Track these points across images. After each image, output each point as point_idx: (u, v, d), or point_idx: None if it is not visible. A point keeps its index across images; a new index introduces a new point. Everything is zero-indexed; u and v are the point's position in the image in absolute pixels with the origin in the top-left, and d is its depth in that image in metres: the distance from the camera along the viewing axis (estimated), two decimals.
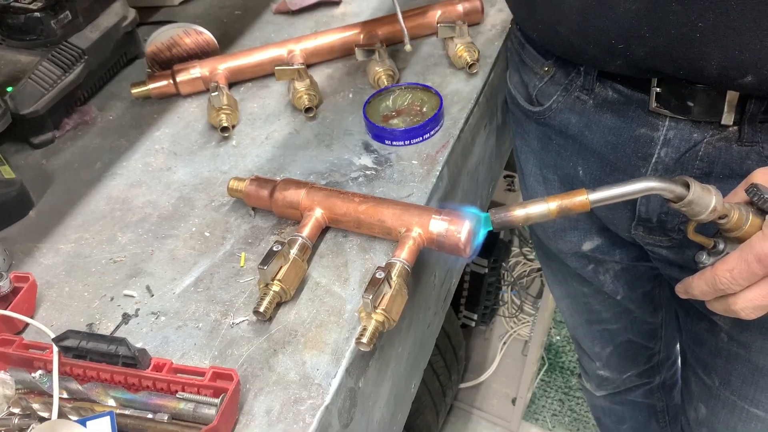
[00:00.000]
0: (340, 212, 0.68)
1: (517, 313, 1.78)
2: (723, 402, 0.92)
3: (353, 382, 0.60)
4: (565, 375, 1.98)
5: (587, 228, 0.96)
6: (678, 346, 1.27)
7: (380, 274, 0.59)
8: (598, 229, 0.95)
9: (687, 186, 0.60)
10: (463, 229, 0.63)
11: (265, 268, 0.61)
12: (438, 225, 0.64)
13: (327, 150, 0.82)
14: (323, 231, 0.71)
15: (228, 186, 0.74)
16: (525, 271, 1.80)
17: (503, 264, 1.80)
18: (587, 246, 0.98)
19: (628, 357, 1.22)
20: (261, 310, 0.61)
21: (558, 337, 2.03)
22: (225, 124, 0.85)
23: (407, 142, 0.80)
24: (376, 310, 0.59)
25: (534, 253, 1.77)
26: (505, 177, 1.72)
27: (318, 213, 0.69)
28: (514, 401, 1.87)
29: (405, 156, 0.79)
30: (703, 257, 0.66)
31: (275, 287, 0.62)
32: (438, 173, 0.75)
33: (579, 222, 0.96)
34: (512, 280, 1.77)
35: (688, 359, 0.99)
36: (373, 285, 0.58)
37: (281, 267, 0.63)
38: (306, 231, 0.68)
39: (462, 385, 1.86)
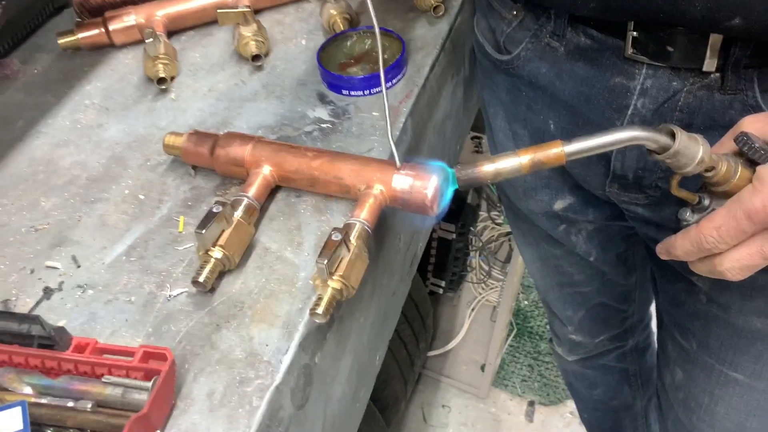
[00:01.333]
0: (292, 169, 0.61)
1: (486, 279, 1.74)
2: (701, 366, 0.88)
3: (308, 358, 0.53)
4: (534, 340, 1.95)
5: (559, 186, 0.90)
6: (652, 308, 1.23)
7: (336, 236, 0.52)
8: (571, 188, 0.90)
9: (672, 135, 0.55)
10: (429, 184, 0.56)
11: (203, 232, 0.53)
12: (401, 181, 0.57)
13: (277, 102, 0.74)
14: (273, 191, 0.63)
15: (163, 142, 0.66)
16: (493, 235, 1.75)
17: (471, 229, 1.74)
18: (559, 205, 0.92)
19: (600, 320, 1.18)
20: (200, 280, 0.54)
21: (526, 302, 2.00)
22: (162, 75, 0.76)
23: (367, 92, 0.72)
24: (333, 277, 0.52)
25: (502, 218, 1.72)
26: (472, 138, 1.65)
27: (266, 170, 0.61)
28: (483, 368, 1.84)
29: (364, 107, 0.71)
30: (687, 214, 0.61)
31: (216, 254, 0.55)
32: (401, 125, 0.68)
33: (550, 180, 0.90)
34: (480, 245, 1.72)
35: (664, 322, 0.94)
36: (329, 249, 0.51)
37: (223, 231, 0.56)
38: (252, 190, 0.60)
39: (430, 353, 1.81)
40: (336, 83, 0.72)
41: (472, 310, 1.80)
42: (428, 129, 0.76)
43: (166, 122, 0.73)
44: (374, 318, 0.67)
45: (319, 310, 0.51)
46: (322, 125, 0.70)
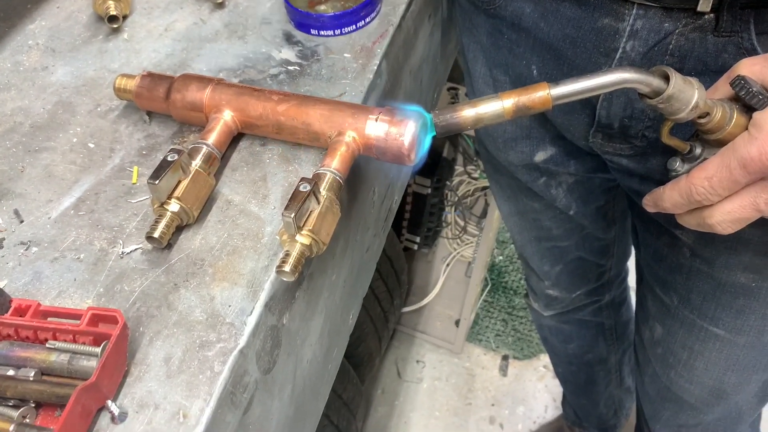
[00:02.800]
0: (255, 114, 0.55)
1: (461, 235, 1.71)
2: (681, 321, 0.86)
3: (275, 319, 0.49)
4: (509, 295, 1.94)
5: (540, 137, 0.86)
6: (629, 263, 1.21)
7: (305, 187, 0.47)
8: (552, 138, 0.86)
9: (666, 78, 0.51)
10: (406, 130, 0.52)
11: (157, 183, 0.48)
12: (376, 127, 0.52)
13: (240, 42, 0.68)
14: (235, 138, 0.58)
15: (114, 85, 0.60)
16: (469, 190, 1.71)
17: (447, 183, 1.70)
18: (540, 157, 0.88)
19: (578, 275, 1.16)
20: (155, 235, 0.49)
21: (501, 257, 1.98)
22: (113, 13, 0.69)
23: (338, 32, 0.66)
24: (301, 232, 0.47)
25: (479, 172, 1.69)
26: (448, 89, 1.60)
27: (227, 116, 0.56)
28: (457, 323, 1.83)
29: (335, 48, 0.66)
30: (677, 164, 0.58)
31: (173, 207, 0.50)
32: (375, 68, 0.63)
33: (531, 130, 0.86)
34: (456, 200, 1.68)
35: (645, 277, 0.92)
36: (297, 201, 0.46)
37: (179, 182, 0.50)
38: (212, 137, 0.55)
39: (405, 309, 1.79)
40: (304, 22, 0.67)
41: (447, 265, 1.77)
42: (404, 73, 0.70)
43: (119, 64, 0.67)
44: (347, 275, 0.63)
45: (287, 268, 0.46)
46: (289, 68, 0.64)
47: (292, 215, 0.45)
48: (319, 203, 0.48)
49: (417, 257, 1.83)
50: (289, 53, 0.66)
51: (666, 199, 0.58)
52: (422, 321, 1.84)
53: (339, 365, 0.67)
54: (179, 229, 0.52)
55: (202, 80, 0.57)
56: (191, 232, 0.52)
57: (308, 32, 0.67)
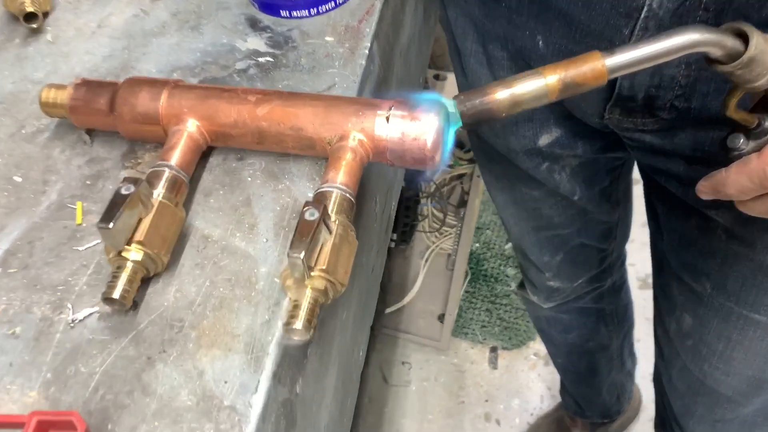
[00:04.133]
0: (228, 121, 0.43)
1: (440, 227, 1.61)
2: (715, 310, 0.77)
3: (287, 390, 0.37)
4: (490, 283, 1.86)
5: (544, 118, 0.76)
6: (624, 247, 1.13)
7: (312, 215, 0.35)
8: (558, 118, 0.76)
9: (741, 37, 0.41)
10: (428, 126, 0.40)
11: (111, 226, 0.35)
12: (389, 125, 0.41)
13: (194, 34, 0.55)
14: (204, 154, 0.45)
15: (41, 99, 0.46)
16: (445, 179, 1.60)
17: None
18: (544, 140, 0.78)
19: (579, 263, 1.07)
20: (115, 295, 0.37)
21: (477, 245, 1.89)
22: (30, 10, 0.55)
23: (313, 11, 0.54)
24: (313, 273, 0.35)
25: (454, 159, 1.58)
26: (434, 77, 1.48)
27: (191, 126, 0.43)
28: (441, 318, 1.73)
29: (313, 31, 0.54)
30: (740, 141, 0.49)
31: (135, 255, 0.37)
32: (367, 51, 0.51)
33: (534, 111, 0.75)
34: (432, 190, 1.58)
35: (669, 264, 0.83)
36: (304, 234, 0.34)
37: (140, 220, 0.38)
38: (175, 156, 0.42)
39: (385, 310, 1.68)
40: (270, 2, 0.54)
41: (426, 260, 1.67)
42: (395, 56, 0.59)
43: (44, 73, 0.53)
44: (356, 307, 0.52)
45: (298, 324, 0.35)
46: (260, 59, 0.52)
47: (302, 255, 0.34)
48: (330, 233, 0.37)
49: (394, 255, 1.72)
50: (256, 42, 0.53)
51: (731, 184, 0.48)
52: (404, 320, 1.74)
53: (353, 414, 0.56)
54: (146, 282, 0.39)
55: (155, 84, 0.44)
56: (162, 284, 0.40)
57: (277, 14, 0.55)
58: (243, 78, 0.51)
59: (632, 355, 1.36)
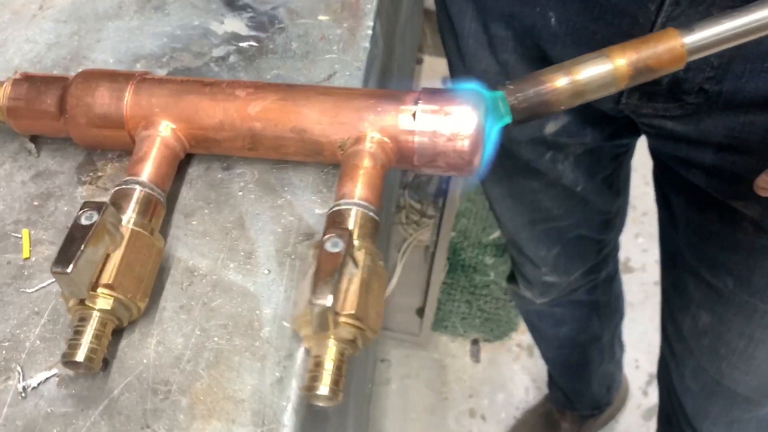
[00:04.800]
0: (212, 123, 0.34)
1: (419, 219, 1.53)
2: (738, 306, 0.72)
3: None
4: (468, 273, 1.80)
5: None
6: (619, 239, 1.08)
7: (336, 245, 0.27)
8: None
9: None
10: (466, 122, 0.32)
11: (70, 270, 0.27)
12: (417, 122, 0.33)
13: (158, 15, 0.46)
14: (181, 164, 0.37)
15: None
16: None
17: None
18: (551, 128, 0.71)
19: (576, 255, 1.02)
20: (79, 358, 0.28)
21: (454, 234, 1.82)
22: None
23: None
24: (341, 319, 0.27)
25: None
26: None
27: (165, 130, 0.35)
28: (419, 312, 1.66)
29: (303, 9, 0.45)
30: None
31: (102, 303, 0.29)
32: (370, 32, 0.43)
33: None
34: (408, 180, 1.50)
35: (684, 259, 0.77)
36: (327, 271, 0.26)
37: (108, 257, 0.29)
38: (147, 169, 0.33)
39: None
40: None
41: (403, 253, 1.60)
42: (396, 37, 0.51)
43: None
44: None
45: (323, 389, 0.27)
46: (241, 44, 0.43)
47: (328, 300, 0.25)
48: (357, 266, 0.28)
49: None
50: (235, 23, 0.44)
51: None
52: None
53: None
54: (117, 333, 0.31)
55: (116, 78, 0.35)
56: (138, 335, 0.31)
57: None
58: (222, 67, 0.42)
59: (621, 343, 1.34)
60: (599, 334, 1.25)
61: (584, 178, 0.83)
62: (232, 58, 0.42)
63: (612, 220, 0.99)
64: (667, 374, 0.92)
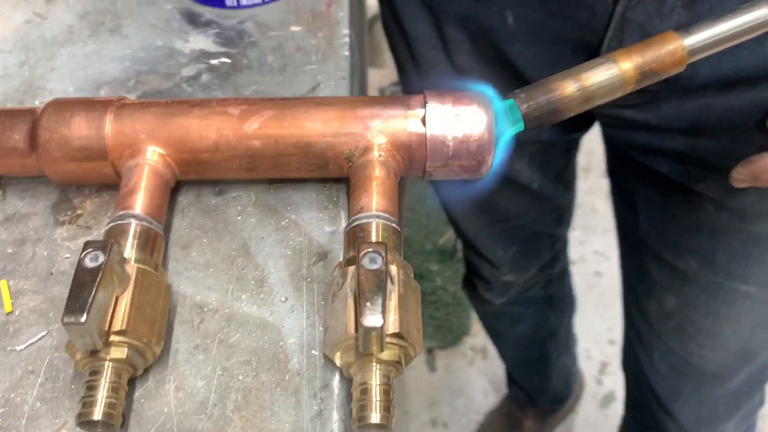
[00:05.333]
0: (206, 144, 0.32)
1: None
2: (703, 286, 0.74)
3: None
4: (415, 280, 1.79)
5: None
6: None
7: (375, 261, 0.25)
8: None
9: None
10: (478, 121, 0.31)
11: (84, 319, 0.24)
12: (428, 126, 0.31)
13: (116, 38, 0.43)
14: (173, 191, 0.34)
15: None
16: None
17: None
18: None
19: (532, 252, 1.03)
20: (97, 417, 0.25)
21: None
22: None
23: None
24: (385, 339, 0.25)
25: None
26: None
27: (153, 156, 0.32)
28: None
29: (272, 21, 0.43)
30: None
31: (117, 353, 0.26)
32: (347, 40, 0.41)
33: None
34: None
35: (646, 244, 0.79)
36: (372, 290, 0.24)
37: (116, 300, 0.26)
38: (140, 202, 0.30)
39: None
40: None
41: None
42: (364, 47, 0.49)
43: None
44: None
45: (375, 417, 0.25)
46: (212, 62, 0.41)
47: (379, 320, 0.24)
48: (393, 281, 0.27)
49: None
50: (202, 41, 0.42)
51: None
52: None
53: None
54: (130, 383, 0.28)
55: (92, 106, 0.32)
56: (153, 382, 0.28)
57: (220, 5, 0.44)
58: (195, 87, 0.39)
59: (573, 336, 1.36)
60: (555, 328, 1.27)
61: (539, 175, 0.83)
62: (204, 77, 0.40)
63: (563, 214, 1.00)
64: (634, 360, 0.93)
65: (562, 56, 0.59)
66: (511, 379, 1.48)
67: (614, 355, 1.57)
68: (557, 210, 0.96)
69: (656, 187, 0.72)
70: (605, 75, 0.33)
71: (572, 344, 1.37)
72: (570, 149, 0.85)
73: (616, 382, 1.54)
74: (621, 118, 0.63)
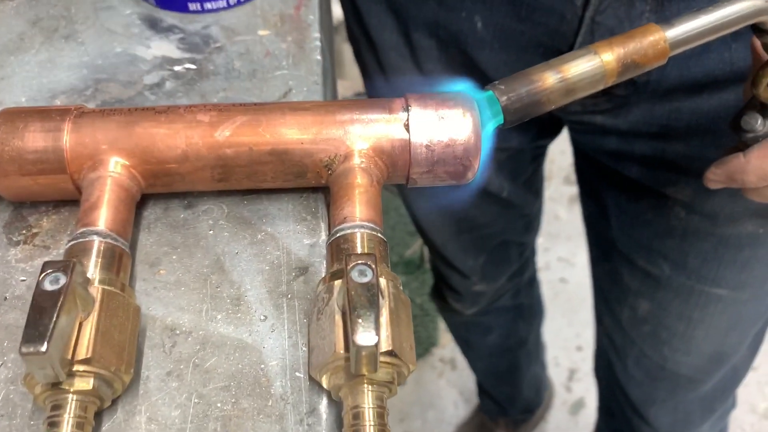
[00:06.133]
0: (174, 154, 0.30)
1: None
2: (675, 290, 0.74)
3: None
4: None
5: None
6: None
7: (365, 274, 0.23)
8: None
9: None
10: (464, 125, 0.30)
11: (45, 348, 0.21)
12: (412, 131, 0.30)
13: (70, 45, 0.40)
14: (138, 205, 0.31)
15: None
16: None
17: None
18: None
19: (501, 261, 1.02)
20: None
21: None
22: None
23: (233, 0, 0.41)
24: (380, 359, 0.24)
25: None
26: None
27: (116, 168, 0.29)
28: None
29: (239, 26, 0.41)
30: (757, 122, 0.44)
31: (82, 384, 0.23)
32: (318, 44, 0.39)
33: None
34: None
35: (617, 250, 0.79)
36: (365, 304, 0.22)
37: (80, 326, 0.24)
38: (103, 217, 0.28)
39: None
40: None
41: None
42: (333, 53, 0.47)
43: None
44: None
45: None
46: (176, 68, 0.38)
47: (373, 339, 0.22)
48: (383, 296, 0.25)
49: None
50: (165, 47, 0.40)
51: (751, 170, 0.44)
52: None
53: None
54: (96, 416, 0.25)
55: (48, 114, 0.30)
56: (122, 413, 0.26)
57: (183, 9, 0.41)
58: (159, 95, 0.37)
59: (542, 344, 1.36)
60: (525, 337, 1.26)
61: (508, 183, 0.83)
62: (168, 84, 0.37)
63: (532, 221, 1.00)
64: (607, 367, 0.93)
65: (531, 62, 0.59)
66: (482, 390, 1.47)
67: (582, 361, 1.58)
68: (526, 217, 0.96)
69: (626, 192, 0.72)
70: (586, 66, 0.32)
71: (542, 352, 1.37)
72: (538, 156, 0.84)
73: (585, 389, 1.54)
74: (590, 124, 0.63)
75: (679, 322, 0.77)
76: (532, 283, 1.21)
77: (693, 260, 0.70)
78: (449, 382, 1.70)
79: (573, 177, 1.48)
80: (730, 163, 0.44)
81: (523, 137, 0.73)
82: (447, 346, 1.75)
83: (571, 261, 1.72)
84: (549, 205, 1.90)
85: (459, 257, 1.00)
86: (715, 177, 0.46)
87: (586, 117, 0.62)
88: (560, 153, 1.61)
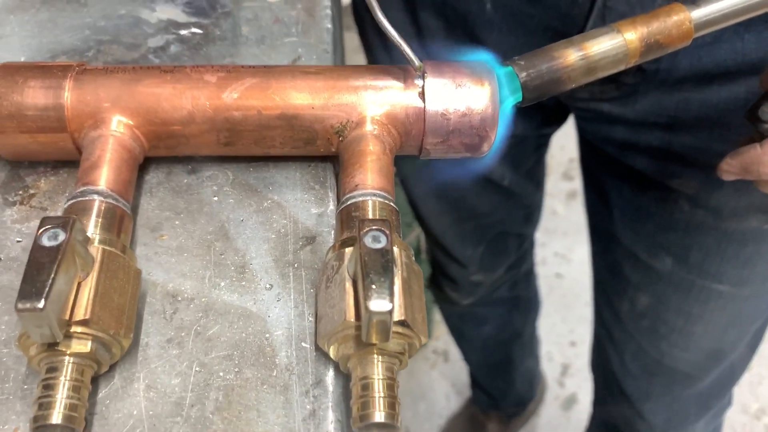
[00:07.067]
0: (179, 115, 0.28)
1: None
2: (676, 285, 0.73)
3: None
4: None
5: None
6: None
7: (378, 240, 0.22)
8: None
9: None
10: (481, 94, 0.29)
11: (42, 305, 0.20)
12: (427, 99, 0.29)
13: (72, 6, 0.39)
14: (139, 169, 0.30)
15: None
16: None
17: None
18: None
19: (500, 251, 1.01)
20: (56, 420, 0.21)
21: None
22: None
23: None
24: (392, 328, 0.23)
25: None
26: None
27: (118, 127, 0.28)
28: None
29: None
30: None
31: (79, 346, 0.22)
32: (329, 12, 0.38)
33: None
34: None
35: (618, 243, 0.78)
36: (378, 270, 0.21)
37: (78, 286, 0.23)
38: (104, 177, 0.27)
39: None
40: None
41: None
42: (341, 24, 0.46)
43: None
44: None
45: (379, 415, 0.22)
46: (182, 32, 0.37)
47: (388, 305, 0.21)
48: (396, 265, 0.24)
49: None
50: (170, 10, 0.38)
51: (767, 161, 0.42)
52: None
53: None
54: (93, 382, 0.24)
55: (49, 71, 0.28)
56: (120, 379, 0.25)
57: None
58: (163, 58, 0.36)
59: (537, 338, 1.36)
60: (520, 330, 1.26)
61: (510, 171, 0.82)
62: (173, 48, 0.36)
63: (532, 213, 0.99)
64: (604, 360, 0.92)
65: (539, 46, 0.58)
66: (475, 382, 1.46)
67: (576, 356, 1.57)
68: (527, 208, 0.95)
69: (631, 184, 0.71)
70: (609, 45, 0.31)
71: (536, 346, 1.37)
72: (541, 145, 0.83)
73: (578, 385, 1.54)
74: (597, 112, 0.62)
75: (678, 317, 0.76)
76: (530, 276, 1.20)
77: (695, 254, 0.69)
78: (441, 374, 1.70)
79: (571, 173, 1.47)
80: (747, 153, 0.43)
81: (528, 124, 0.72)
82: (440, 337, 1.74)
83: (568, 257, 1.72)
84: (547, 200, 1.89)
85: (457, 246, 0.99)
86: (729, 168, 0.45)
87: (594, 104, 0.61)
88: (560, 149, 1.60)
